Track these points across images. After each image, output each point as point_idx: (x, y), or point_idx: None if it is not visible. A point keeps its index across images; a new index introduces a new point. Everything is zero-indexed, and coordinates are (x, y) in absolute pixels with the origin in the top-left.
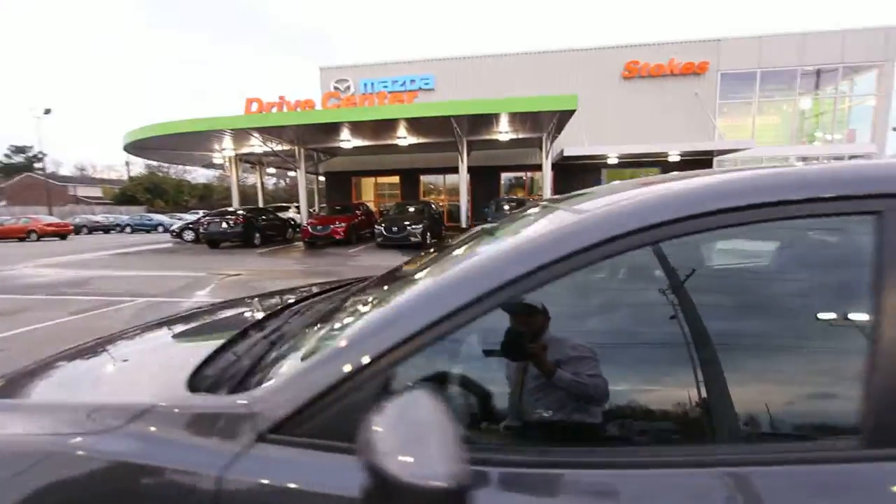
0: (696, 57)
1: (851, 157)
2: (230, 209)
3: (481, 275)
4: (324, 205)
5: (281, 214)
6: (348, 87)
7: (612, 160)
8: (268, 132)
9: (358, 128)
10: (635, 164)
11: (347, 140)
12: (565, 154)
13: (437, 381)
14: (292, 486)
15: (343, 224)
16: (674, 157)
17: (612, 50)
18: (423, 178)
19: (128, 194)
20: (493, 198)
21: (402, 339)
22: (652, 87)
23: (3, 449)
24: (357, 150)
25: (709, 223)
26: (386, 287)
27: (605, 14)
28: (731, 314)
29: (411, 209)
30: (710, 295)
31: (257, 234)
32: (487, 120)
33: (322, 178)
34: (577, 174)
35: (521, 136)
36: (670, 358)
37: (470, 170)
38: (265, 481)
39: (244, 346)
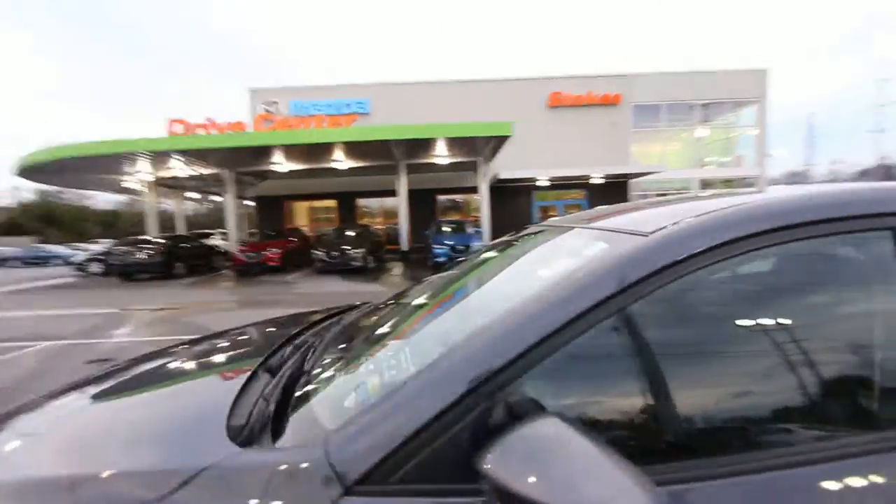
0: (612, 90)
1: (741, 179)
2: (146, 237)
3: (595, 283)
4: (254, 230)
5: (205, 241)
6: (279, 110)
7: (543, 182)
8: (194, 155)
9: (293, 151)
10: (562, 186)
11: (281, 164)
12: (500, 177)
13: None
14: None
15: (278, 250)
16: (596, 180)
17: (538, 81)
18: (360, 202)
19: (16, 223)
20: (430, 220)
21: (510, 359)
22: (574, 116)
23: None
24: (290, 174)
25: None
26: (442, 306)
27: (530, 47)
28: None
29: (350, 233)
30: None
31: (179, 264)
32: (426, 144)
33: (251, 203)
34: (510, 196)
35: (457, 159)
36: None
37: (407, 193)
38: None
39: (274, 385)
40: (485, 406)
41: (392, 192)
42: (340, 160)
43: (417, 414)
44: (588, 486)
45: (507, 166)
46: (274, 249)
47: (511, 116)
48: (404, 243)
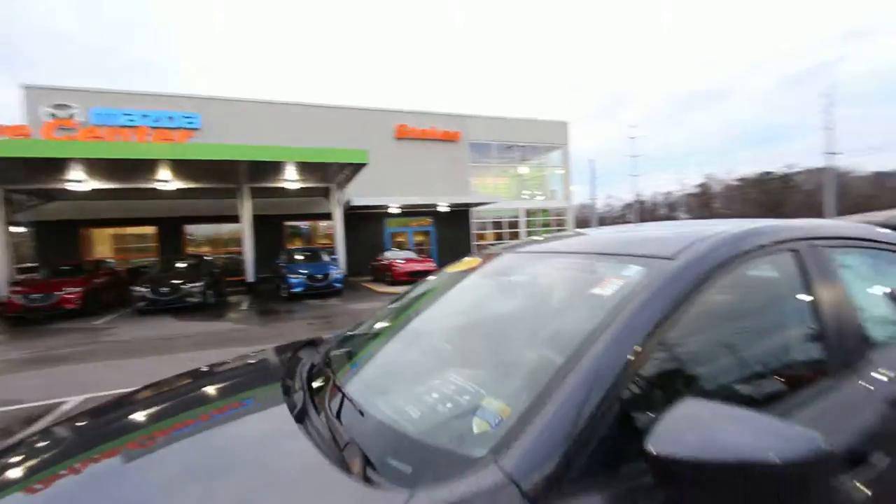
0: (451, 127)
1: (556, 209)
2: None
3: None
4: (35, 265)
5: None
6: (72, 115)
7: (394, 209)
8: None
9: (99, 166)
10: (412, 214)
11: (81, 181)
12: (353, 203)
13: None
14: None
15: (77, 289)
16: (443, 208)
17: (385, 113)
18: (189, 229)
19: None
20: (275, 248)
21: (630, 357)
22: (420, 148)
23: None
24: (90, 195)
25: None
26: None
27: (371, 77)
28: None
29: (182, 264)
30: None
31: None
32: (275, 167)
33: (22, 230)
34: (361, 222)
35: (309, 185)
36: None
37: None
38: None
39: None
40: (622, 399)
41: (229, 218)
42: (167, 180)
43: (576, 414)
44: (746, 436)
45: (357, 193)
46: (72, 289)
47: (359, 144)
48: (250, 274)
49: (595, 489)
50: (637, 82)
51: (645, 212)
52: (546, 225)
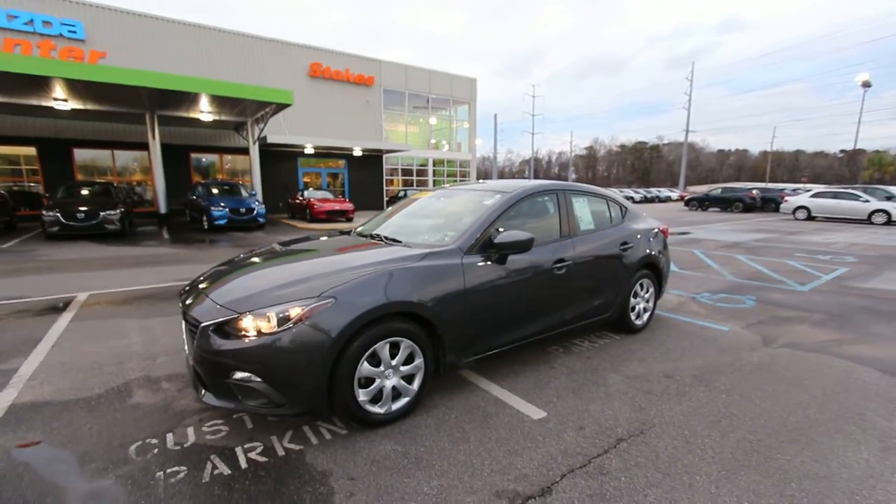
0: (366, 71)
1: (461, 161)
2: None
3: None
4: None
5: None
6: None
7: (309, 150)
8: None
9: None
10: (326, 155)
11: None
12: (269, 141)
13: None
14: None
15: None
16: (357, 152)
17: (299, 48)
18: (79, 153)
19: None
20: (179, 180)
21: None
22: (334, 89)
23: None
24: None
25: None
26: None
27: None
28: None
29: (90, 191)
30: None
31: None
32: (192, 98)
33: None
34: (275, 160)
35: (224, 118)
36: None
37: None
38: None
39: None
40: (488, 230)
41: (125, 144)
42: (65, 99)
43: (475, 232)
44: (520, 235)
45: (270, 130)
46: None
47: (273, 79)
48: (162, 205)
49: (480, 253)
50: (552, 43)
51: (539, 168)
52: (451, 175)
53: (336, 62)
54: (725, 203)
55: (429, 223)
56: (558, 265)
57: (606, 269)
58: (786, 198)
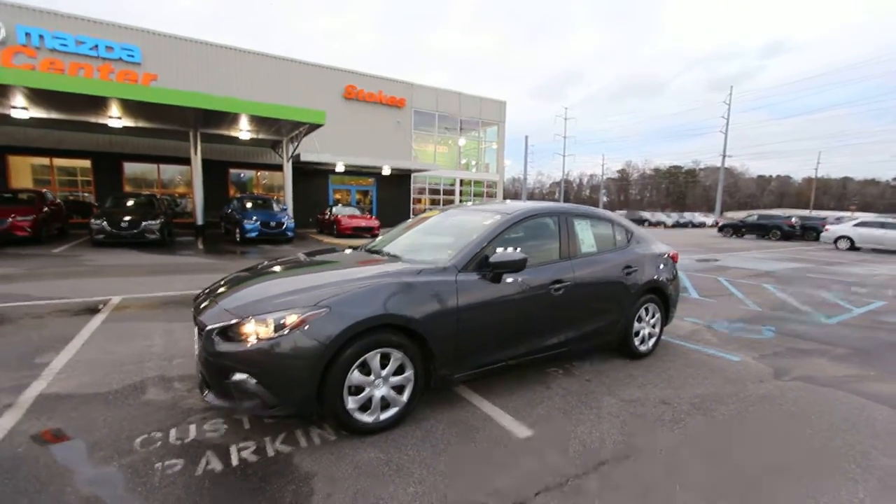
0: (398, 93)
1: (488, 181)
2: None
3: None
4: None
5: None
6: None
7: (340, 168)
8: None
9: (40, 97)
10: (356, 174)
11: (22, 109)
12: (301, 159)
13: None
14: None
15: (28, 217)
16: (386, 171)
17: (335, 72)
18: (128, 166)
19: None
20: (218, 193)
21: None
22: (367, 110)
23: None
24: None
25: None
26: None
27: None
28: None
29: (135, 202)
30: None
31: None
32: (232, 118)
33: None
34: (307, 177)
35: (261, 137)
36: None
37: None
38: None
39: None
40: (485, 248)
41: (171, 159)
42: (119, 117)
43: (471, 251)
44: (514, 256)
45: (303, 148)
46: (22, 217)
47: (310, 100)
48: (199, 217)
49: (475, 272)
50: (589, 64)
51: (570, 191)
52: (478, 195)
53: (370, 85)
54: (762, 230)
55: (433, 241)
56: (556, 286)
57: (608, 292)
58: (827, 227)
